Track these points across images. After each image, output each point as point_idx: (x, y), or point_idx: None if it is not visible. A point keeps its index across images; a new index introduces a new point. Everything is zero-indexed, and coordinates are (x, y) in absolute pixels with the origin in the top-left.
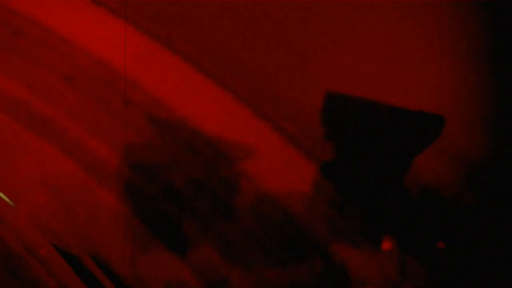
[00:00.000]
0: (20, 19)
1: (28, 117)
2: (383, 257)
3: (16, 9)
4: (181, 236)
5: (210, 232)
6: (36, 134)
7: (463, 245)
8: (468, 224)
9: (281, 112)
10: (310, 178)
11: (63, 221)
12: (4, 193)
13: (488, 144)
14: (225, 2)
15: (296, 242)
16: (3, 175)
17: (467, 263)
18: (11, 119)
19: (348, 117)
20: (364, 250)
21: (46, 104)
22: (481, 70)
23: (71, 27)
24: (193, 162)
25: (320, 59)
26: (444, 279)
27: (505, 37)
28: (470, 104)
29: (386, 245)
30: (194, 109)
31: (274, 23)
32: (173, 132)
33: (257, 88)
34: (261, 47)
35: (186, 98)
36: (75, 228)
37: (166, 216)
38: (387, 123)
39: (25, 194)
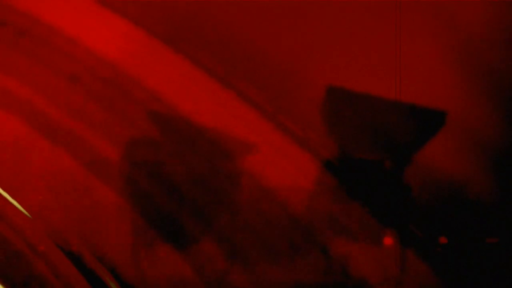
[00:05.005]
0: (25, 19)
1: (30, 116)
2: (384, 253)
3: (20, 9)
4: (182, 233)
5: (211, 229)
6: (38, 132)
7: (465, 241)
8: (470, 219)
9: (283, 109)
10: (311, 174)
11: (63, 218)
12: (4, 190)
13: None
14: (226, 1)
15: (297, 239)
16: (4, 172)
17: (469, 259)
18: (13, 118)
19: (350, 113)
20: (365, 246)
21: (48, 103)
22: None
23: (75, 27)
24: (195, 159)
25: (319, 56)
26: (446, 275)
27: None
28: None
29: (387, 241)
30: (196, 108)
31: (274, 21)
32: (175, 130)
33: (259, 86)
34: (262, 46)
35: (188, 97)
36: (76, 225)
37: (167, 213)
38: (389, 119)
39: (26, 191)
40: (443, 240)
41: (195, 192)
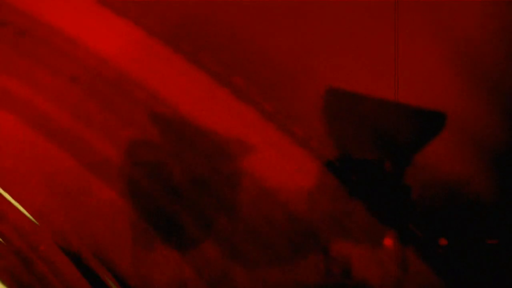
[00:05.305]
0: (25, 19)
1: (31, 116)
2: (384, 253)
3: (20, 9)
4: (182, 233)
5: (211, 229)
6: (38, 132)
7: (465, 241)
8: (470, 219)
9: (283, 109)
10: (312, 174)
11: (64, 218)
12: (5, 190)
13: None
14: (227, 2)
15: (297, 239)
16: (5, 172)
17: (469, 260)
18: (14, 118)
19: (350, 113)
20: (365, 247)
21: (48, 103)
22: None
23: (75, 27)
24: (195, 160)
25: (319, 56)
26: (446, 276)
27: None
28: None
29: (387, 241)
30: (197, 108)
31: (274, 21)
32: (175, 130)
33: (260, 87)
34: (262, 46)
35: (190, 97)
36: (76, 225)
37: (168, 214)
38: (389, 119)
39: (26, 191)
40: (443, 241)
41: (195, 192)
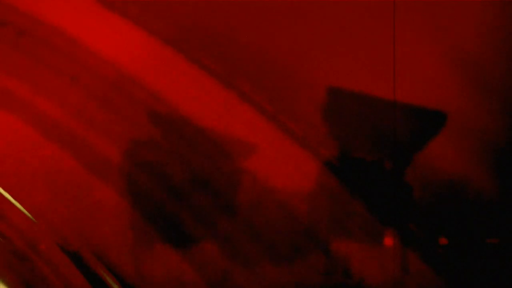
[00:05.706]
0: (25, 19)
1: (30, 116)
2: (384, 253)
3: (20, 9)
4: (183, 233)
5: (211, 229)
6: (38, 132)
7: (465, 241)
8: (470, 219)
9: (283, 109)
10: (312, 174)
11: (64, 218)
12: (5, 190)
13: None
14: (227, 2)
15: (297, 239)
16: (5, 172)
17: (469, 259)
18: (14, 118)
19: (350, 113)
20: (365, 247)
21: (49, 103)
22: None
23: (75, 27)
24: (195, 159)
25: (319, 56)
26: (446, 275)
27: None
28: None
29: (388, 241)
30: (197, 108)
31: (274, 21)
32: (176, 130)
33: (260, 86)
34: (263, 46)
35: (190, 97)
36: (76, 225)
37: (168, 213)
38: (390, 119)
39: (27, 191)
40: (443, 241)
41: (195, 192)
